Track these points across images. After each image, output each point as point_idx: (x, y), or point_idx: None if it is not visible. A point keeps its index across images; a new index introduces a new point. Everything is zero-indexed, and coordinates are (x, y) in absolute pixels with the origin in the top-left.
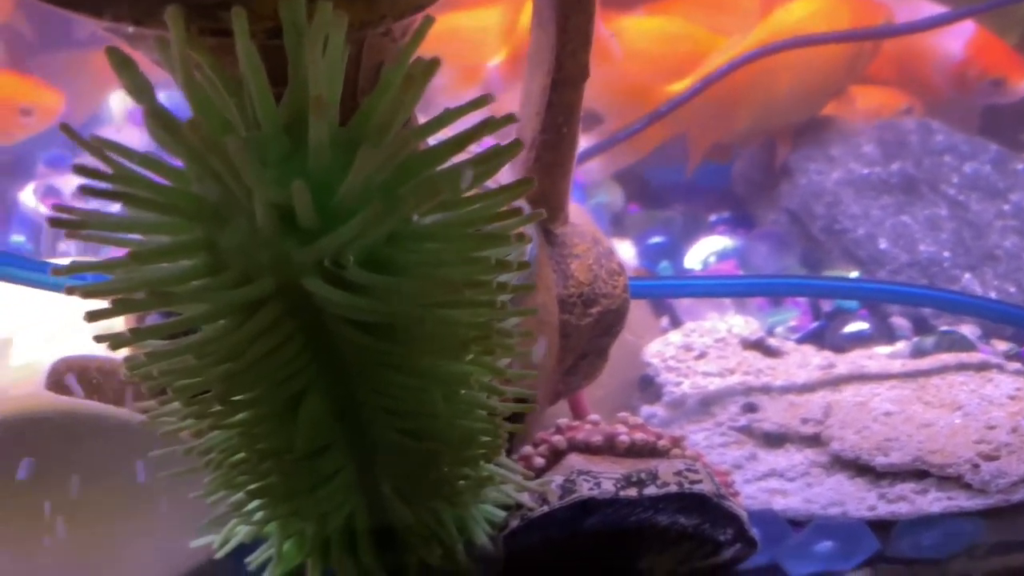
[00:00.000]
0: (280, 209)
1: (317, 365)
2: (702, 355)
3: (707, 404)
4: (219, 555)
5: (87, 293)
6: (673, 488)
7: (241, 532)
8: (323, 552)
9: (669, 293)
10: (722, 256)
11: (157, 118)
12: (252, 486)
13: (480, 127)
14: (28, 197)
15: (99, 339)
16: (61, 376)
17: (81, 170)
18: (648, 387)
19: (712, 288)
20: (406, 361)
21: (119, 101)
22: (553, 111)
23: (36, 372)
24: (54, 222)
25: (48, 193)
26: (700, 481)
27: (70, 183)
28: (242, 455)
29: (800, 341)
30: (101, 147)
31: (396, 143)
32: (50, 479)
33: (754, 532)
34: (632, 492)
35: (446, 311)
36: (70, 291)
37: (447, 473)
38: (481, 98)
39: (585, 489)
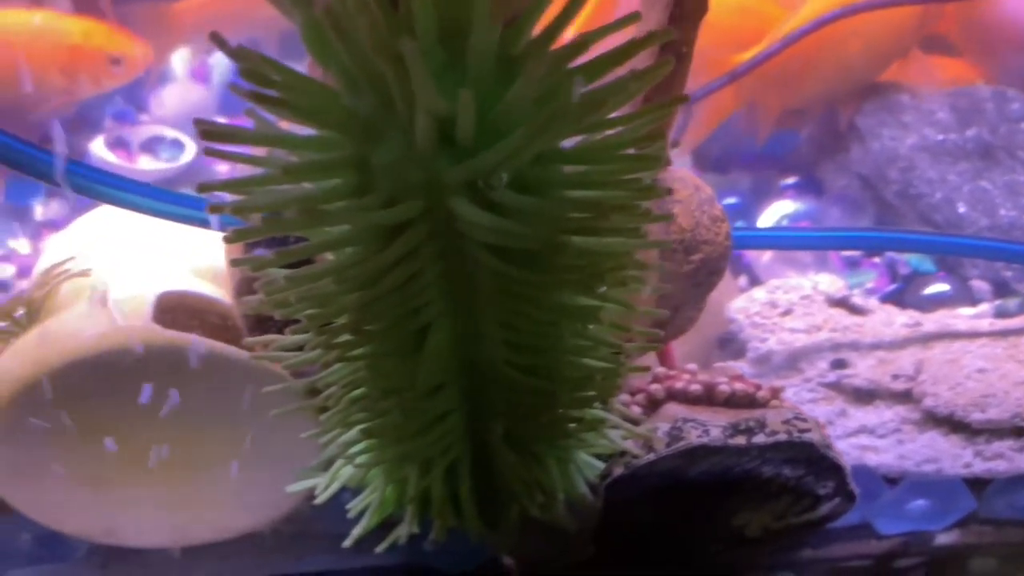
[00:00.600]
0: (436, 125)
1: (448, 295)
2: (788, 312)
3: (794, 360)
4: (319, 500)
5: (236, 210)
6: (783, 436)
7: (344, 477)
8: (423, 500)
9: (769, 244)
10: (794, 219)
11: (314, 26)
12: (368, 424)
13: (634, 44)
14: (99, 148)
15: (236, 263)
16: (165, 309)
17: (249, 74)
18: (729, 344)
19: (815, 241)
20: (540, 292)
21: (181, 59)
22: (666, 49)
23: (143, 304)
24: (205, 134)
25: (117, 144)
26: (809, 430)
27: (137, 135)
28: (362, 391)
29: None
30: (253, 59)
31: (557, 58)
32: (159, 411)
33: (853, 486)
34: (741, 440)
35: (588, 238)
36: (214, 209)
37: (559, 415)
38: (629, 16)
39: (694, 436)
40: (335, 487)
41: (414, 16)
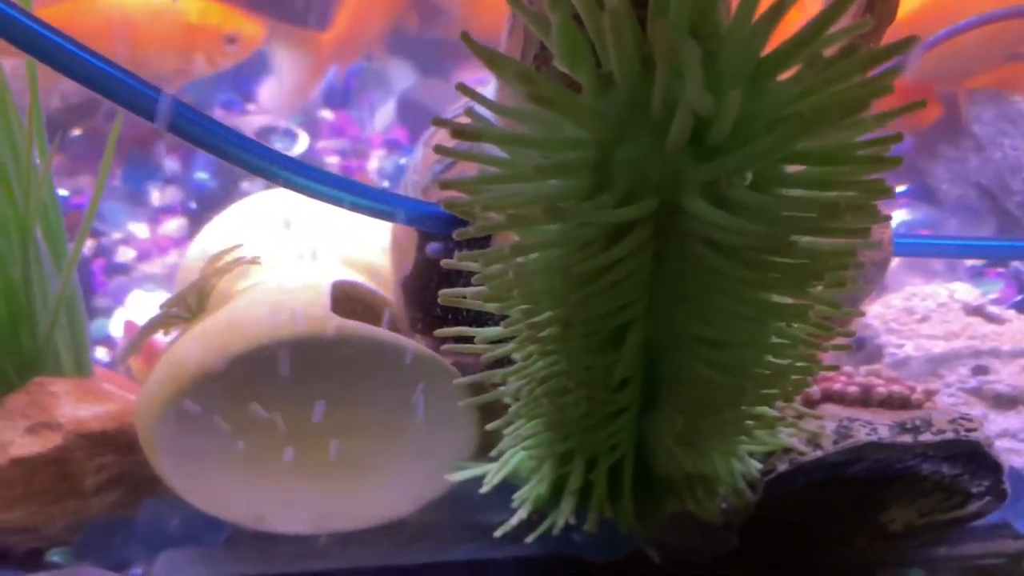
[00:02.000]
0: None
1: (656, 292)
2: (925, 318)
3: (933, 366)
4: (485, 489)
5: (486, 206)
6: (950, 435)
7: (510, 467)
8: (583, 492)
9: (926, 252)
10: (910, 228)
11: (568, 29)
12: (551, 417)
13: (893, 48)
14: None
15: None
16: (339, 299)
17: (492, 61)
18: (861, 348)
19: (955, 250)
20: (754, 290)
21: None
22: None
23: (320, 293)
24: (456, 132)
25: None
26: (975, 429)
27: (250, 124)
28: (553, 384)
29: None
30: (492, 56)
31: (811, 60)
32: (337, 398)
33: (1008, 485)
34: (907, 438)
35: (817, 238)
36: (449, 207)
37: (741, 412)
38: (861, 24)
39: (863, 434)
40: (500, 477)
41: (664, 19)
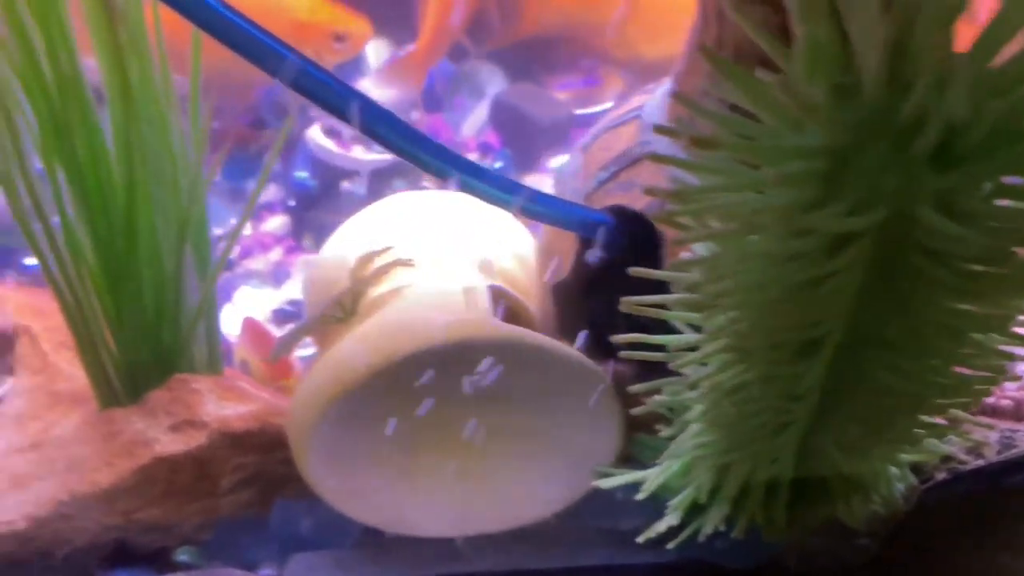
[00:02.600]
0: None
1: (859, 302)
2: None
3: None
4: (642, 495)
5: (724, 216)
6: None
7: (667, 474)
8: (735, 499)
9: None
10: None
11: (817, 40)
12: (734, 425)
13: None
14: (317, 135)
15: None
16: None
17: (727, 68)
18: None
19: None
20: (960, 300)
21: (375, 52)
22: None
23: (479, 296)
24: (696, 141)
25: (330, 132)
26: None
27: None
28: (743, 393)
29: None
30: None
31: None
32: (480, 404)
33: None
34: None
35: None
36: (667, 218)
37: (915, 421)
38: None
39: None
40: (657, 484)
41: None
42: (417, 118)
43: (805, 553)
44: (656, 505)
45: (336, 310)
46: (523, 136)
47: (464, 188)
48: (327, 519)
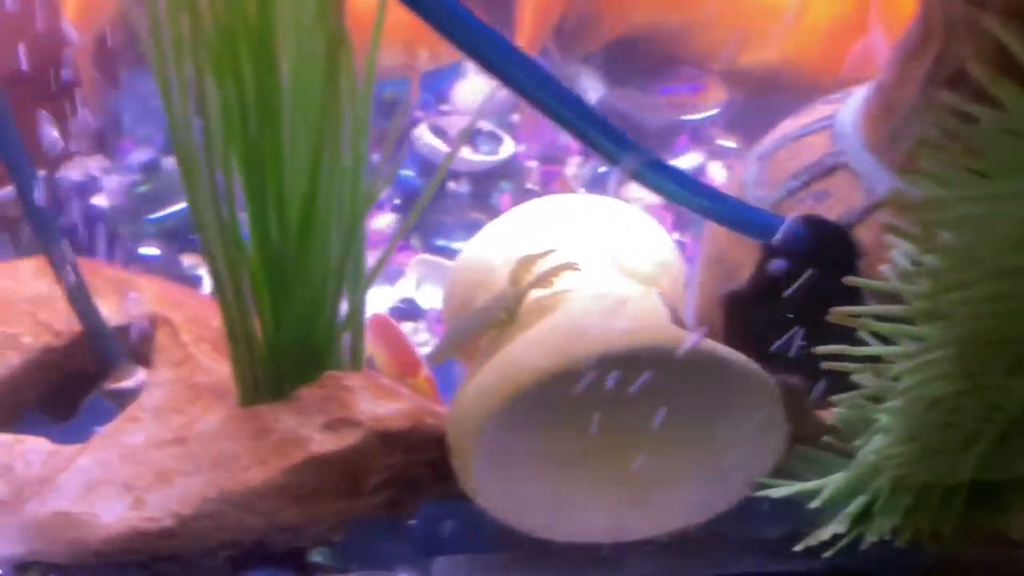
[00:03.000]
0: None
1: None
2: None
3: None
4: (815, 504)
5: (955, 228)
6: None
7: (838, 484)
8: (907, 509)
9: None
10: None
11: None
12: (932, 437)
13: None
14: (426, 134)
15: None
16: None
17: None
18: None
19: None
20: None
21: None
22: None
23: (657, 304)
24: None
25: (437, 132)
26: None
27: (452, 124)
28: (949, 403)
29: None
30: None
31: None
32: (646, 411)
33: None
34: None
35: None
36: (892, 230)
37: None
38: None
39: None
40: (830, 492)
41: None
42: (517, 120)
43: (963, 564)
44: (801, 514)
45: (500, 313)
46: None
47: (646, 182)
48: (469, 522)
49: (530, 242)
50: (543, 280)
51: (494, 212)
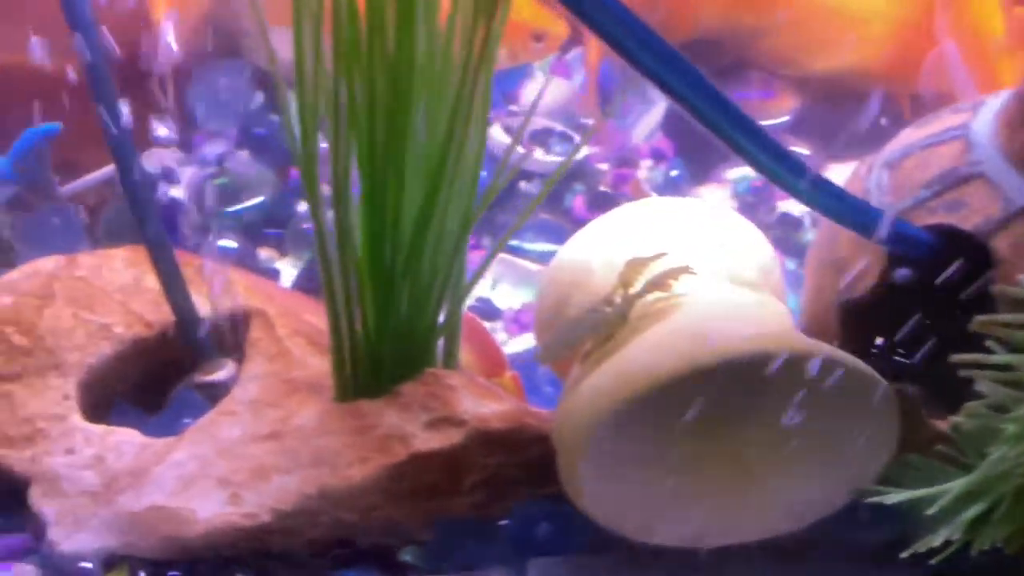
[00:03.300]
0: None
1: None
2: None
3: None
4: (931, 511)
5: None
6: None
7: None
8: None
9: None
10: None
11: None
12: None
13: None
14: (498, 133)
15: None
16: None
17: None
18: None
19: None
20: None
21: None
22: None
23: (783, 311)
24: None
25: (509, 132)
26: None
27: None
28: None
29: None
30: None
31: None
32: (765, 413)
33: None
34: None
35: None
36: None
37: None
38: None
39: None
40: (952, 497)
41: None
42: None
43: None
44: (903, 521)
45: (611, 315)
46: (699, 145)
47: (768, 174)
48: (564, 524)
49: (630, 245)
50: (660, 283)
51: (566, 214)
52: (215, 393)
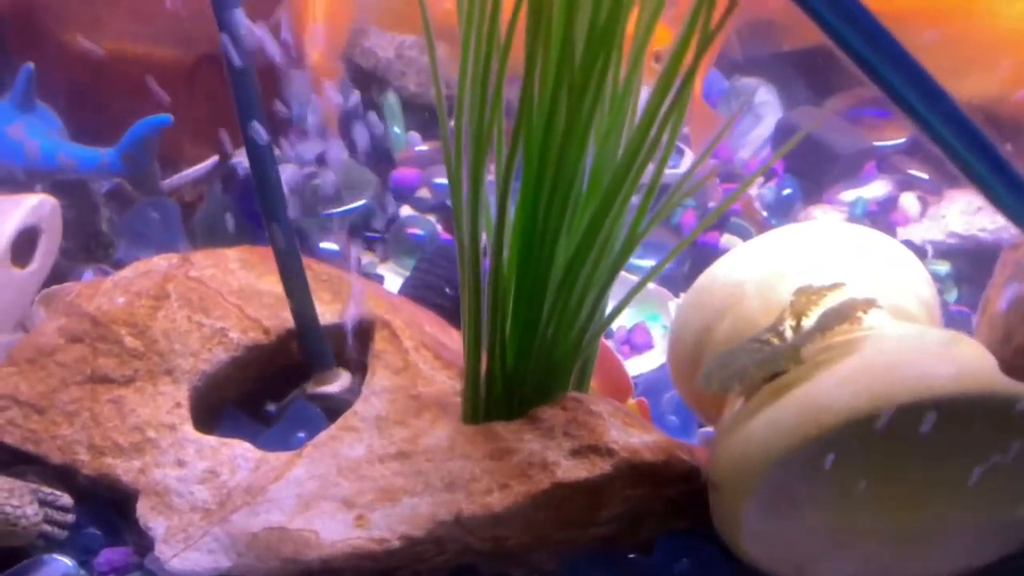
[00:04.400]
0: None
1: None
2: None
3: None
4: None
5: None
6: None
7: None
8: None
9: None
10: None
11: None
12: None
13: None
14: None
15: None
16: None
17: None
18: None
19: None
20: None
21: None
22: None
23: (981, 349)
24: None
25: None
26: None
27: None
28: None
29: None
30: None
31: None
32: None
33: None
34: None
35: None
36: None
37: None
38: None
39: None
40: None
41: None
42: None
43: None
44: None
45: (786, 353)
46: (812, 163)
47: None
48: (706, 560)
49: (788, 269)
50: (845, 318)
51: (675, 229)
52: (330, 405)
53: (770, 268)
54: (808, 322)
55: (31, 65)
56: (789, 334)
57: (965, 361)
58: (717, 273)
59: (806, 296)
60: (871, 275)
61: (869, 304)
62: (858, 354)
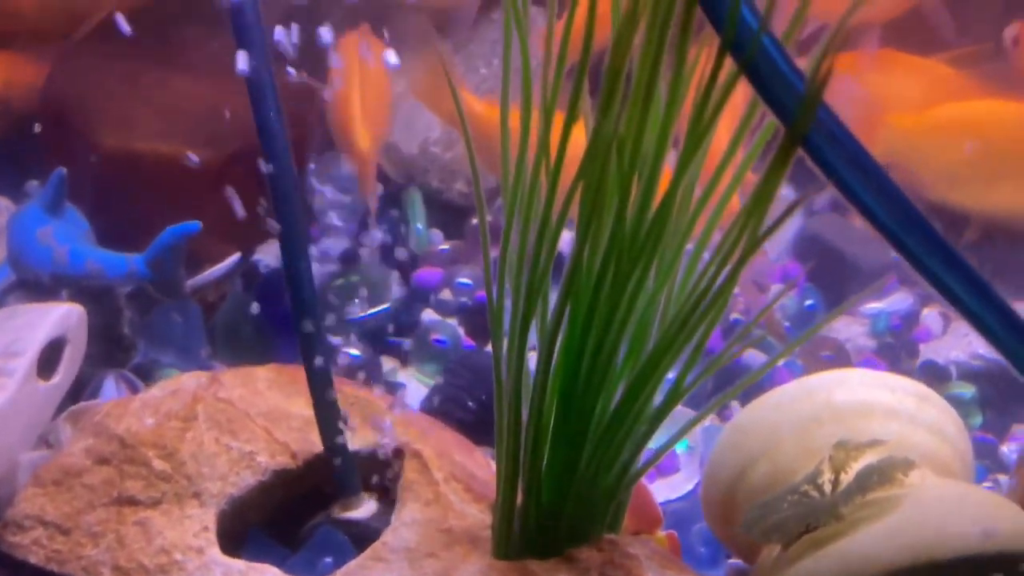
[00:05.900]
0: None
1: None
2: None
3: None
4: None
5: None
6: None
7: None
8: None
9: None
10: None
11: None
12: None
13: None
14: None
15: None
16: None
17: None
18: None
19: None
20: None
21: None
22: None
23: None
24: None
25: None
26: None
27: None
28: None
29: None
30: None
31: None
32: None
33: None
34: None
35: None
36: None
37: None
38: None
39: None
40: None
41: None
42: None
43: None
44: None
45: (826, 508)
46: (834, 274)
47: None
48: None
49: (824, 416)
50: (889, 478)
51: None
52: (355, 531)
53: (807, 413)
54: (847, 479)
55: (63, 170)
56: (828, 488)
57: (1000, 518)
58: (753, 415)
59: (845, 451)
60: (910, 429)
61: (909, 466)
62: (899, 510)
